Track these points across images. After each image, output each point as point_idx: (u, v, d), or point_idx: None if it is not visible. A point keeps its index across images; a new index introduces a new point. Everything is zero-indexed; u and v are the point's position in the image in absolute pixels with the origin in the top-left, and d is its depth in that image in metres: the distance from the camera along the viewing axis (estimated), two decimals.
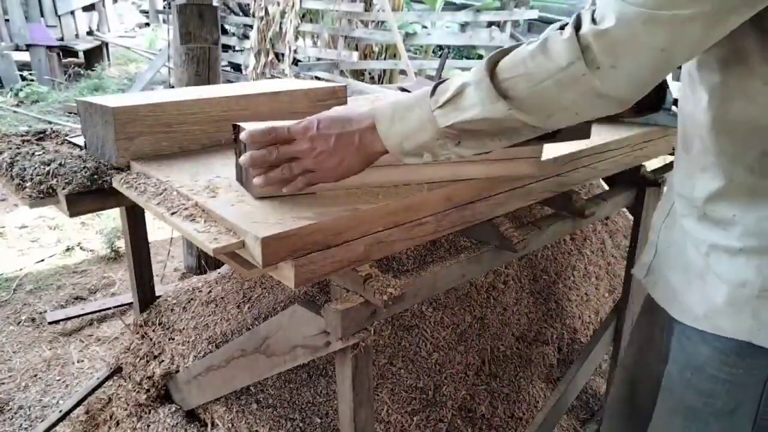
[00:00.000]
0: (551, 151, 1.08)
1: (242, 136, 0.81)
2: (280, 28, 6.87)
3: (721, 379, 0.89)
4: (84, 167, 1.02)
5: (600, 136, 1.28)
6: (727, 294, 0.85)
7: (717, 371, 0.89)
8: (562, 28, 0.69)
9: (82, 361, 2.44)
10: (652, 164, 1.69)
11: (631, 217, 2.01)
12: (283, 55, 6.99)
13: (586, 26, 0.66)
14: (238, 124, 0.87)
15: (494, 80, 0.71)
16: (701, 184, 0.86)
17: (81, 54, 9.07)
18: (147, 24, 12.34)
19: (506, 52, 0.73)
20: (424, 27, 7.74)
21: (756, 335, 0.83)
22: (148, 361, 1.54)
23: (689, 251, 0.92)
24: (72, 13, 8.90)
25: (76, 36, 9.01)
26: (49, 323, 2.67)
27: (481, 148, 0.79)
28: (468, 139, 0.76)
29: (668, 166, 1.70)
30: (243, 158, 0.80)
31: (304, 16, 7.20)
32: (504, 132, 0.75)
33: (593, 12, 0.67)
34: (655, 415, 1.02)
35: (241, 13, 8.15)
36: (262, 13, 6.93)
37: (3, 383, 2.27)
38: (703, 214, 0.87)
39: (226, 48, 8.02)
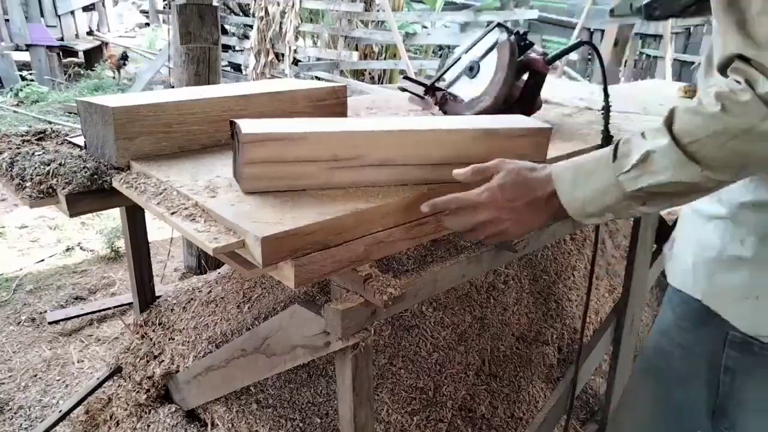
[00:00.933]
0: (551, 151, 1.08)
1: (423, 208, 0.86)
2: (280, 28, 6.87)
3: (676, 343, 1.00)
4: (84, 167, 1.02)
5: (599, 136, 1.27)
6: (693, 255, 0.97)
7: (675, 335, 1.01)
8: (723, 72, 0.73)
9: (82, 361, 2.44)
10: None
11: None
12: (283, 55, 6.99)
13: (763, 83, 0.67)
14: (235, 120, 0.87)
15: (679, 143, 0.73)
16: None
17: (81, 54, 9.08)
18: (147, 24, 12.34)
19: (674, 113, 0.74)
20: (424, 27, 7.75)
21: (707, 298, 0.95)
22: (148, 361, 1.54)
23: (685, 218, 1.03)
24: (72, 13, 8.90)
25: (76, 36, 9.02)
26: (49, 323, 2.68)
27: (668, 206, 0.81)
28: (656, 199, 0.78)
29: None
30: (424, 207, 0.86)
31: (304, 16, 7.20)
32: (693, 190, 0.76)
33: (753, 62, 0.68)
34: (633, 373, 1.18)
35: (241, 13, 8.16)
36: (262, 13, 6.93)
37: (3, 383, 2.27)
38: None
39: (226, 48, 8.02)
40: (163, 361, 1.50)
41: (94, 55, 9.09)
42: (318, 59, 7.11)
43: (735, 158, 0.71)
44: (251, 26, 7.32)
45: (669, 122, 0.74)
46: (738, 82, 0.70)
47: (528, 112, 1.32)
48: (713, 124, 0.70)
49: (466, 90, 1.30)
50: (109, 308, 2.78)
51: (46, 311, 2.77)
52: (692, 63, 8.60)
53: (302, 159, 0.86)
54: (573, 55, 7.76)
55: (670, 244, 1.13)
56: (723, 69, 0.74)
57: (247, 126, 0.85)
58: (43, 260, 3.34)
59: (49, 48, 7.95)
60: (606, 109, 1.12)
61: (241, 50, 7.93)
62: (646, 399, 1.11)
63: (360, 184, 0.91)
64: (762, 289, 0.89)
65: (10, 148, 1.12)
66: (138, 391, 1.53)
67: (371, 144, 0.89)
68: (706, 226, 0.95)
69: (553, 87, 2.00)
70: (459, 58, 1.34)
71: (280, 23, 6.85)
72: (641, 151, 0.75)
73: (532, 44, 1.25)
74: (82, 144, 1.16)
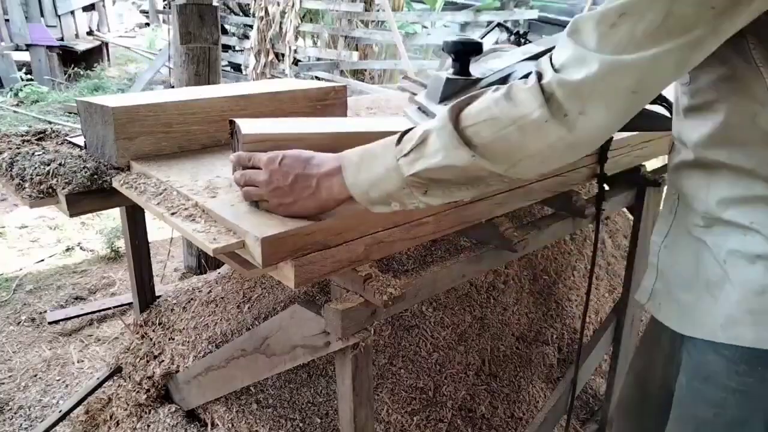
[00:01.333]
0: None
1: (230, 158, 0.85)
2: (280, 28, 6.87)
3: (731, 389, 0.87)
4: (84, 167, 1.02)
5: None
6: (746, 302, 0.83)
7: (727, 380, 0.87)
8: (526, 76, 0.69)
9: (82, 361, 2.44)
10: (651, 164, 1.69)
11: (631, 217, 2.00)
12: (283, 55, 6.99)
13: (549, 75, 0.65)
14: (235, 120, 0.87)
15: (458, 127, 0.69)
16: (715, 192, 0.85)
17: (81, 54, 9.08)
18: (147, 24, 12.34)
19: (471, 99, 0.71)
20: (424, 27, 7.74)
21: None
22: (148, 361, 1.54)
23: (703, 262, 0.89)
24: (72, 13, 8.90)
25: (76, 36, 9.02)
26: (49, 323, 2.68)
27: (448, 198, 0.76)
28: (435, 188, 0.74)
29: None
30: (232, 156, 0.85)
31: (304, 16, 7.20)
32: (470, 181, 0.73)
33: (551, 58, 0.66)
34: (668, 429, 1.01)
35: (241, 13, 8.16)
36: (262, 13, 6.94)
37: (3, 383, 2.27)
38: (719, 218, 0.85)
39: (226, 48, 8.02)
40: (163, 361, 1.50)
41: (94, 55, 9.08)
42: (318, 59, 7.11)
43: (507, 148, 0.68)
44: (251, 26, 7.32)
45: (463, 104, 0.71)
46: (537, 73, 0.67)
47: None
48: (492, 110, 0.68)
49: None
50: (109, 308, 2.78)
51: (46, 311, 2.77)
52: None
53: None
54: None
55: (646, 294, 1.02)
56: None
57: (247, 126, 0.85)
58: (43, 260, 3.34)
59: (49, 48, 7.95)
60: None
61: (241, 50, 7.93)
62: None
63: None
64: None
65: (10, 148, 1.12)
66: (138, 391, 1.53)
67: None
68: (753, 268, 0.83)
69: None
70: None
71: (280, 23, 6.86)
72: (419, 135, 0.72)
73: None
74: (82, 144, 1.16)
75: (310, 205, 0.79)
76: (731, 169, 0.82)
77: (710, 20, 0.61)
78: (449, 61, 1.33)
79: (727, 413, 0.88)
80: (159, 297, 1.65)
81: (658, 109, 1.06)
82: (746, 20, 0.63)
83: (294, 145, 0.83)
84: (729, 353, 0.86)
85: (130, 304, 2.74)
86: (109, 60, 9.43)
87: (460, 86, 0.90)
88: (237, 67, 8.20)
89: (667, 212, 1.01)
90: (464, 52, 0.92)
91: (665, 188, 1.06)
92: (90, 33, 9.50)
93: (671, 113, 0.96)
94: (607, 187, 1.35)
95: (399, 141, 0.74)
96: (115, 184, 1.00)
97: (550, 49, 0.97)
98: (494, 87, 0.71)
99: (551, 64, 0.66)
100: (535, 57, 0.96)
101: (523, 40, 1.24)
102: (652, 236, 1.04)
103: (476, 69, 0.98)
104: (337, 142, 0.88)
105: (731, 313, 0.85)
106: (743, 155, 0.80)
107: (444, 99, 0.91)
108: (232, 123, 0.89)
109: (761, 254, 0.81)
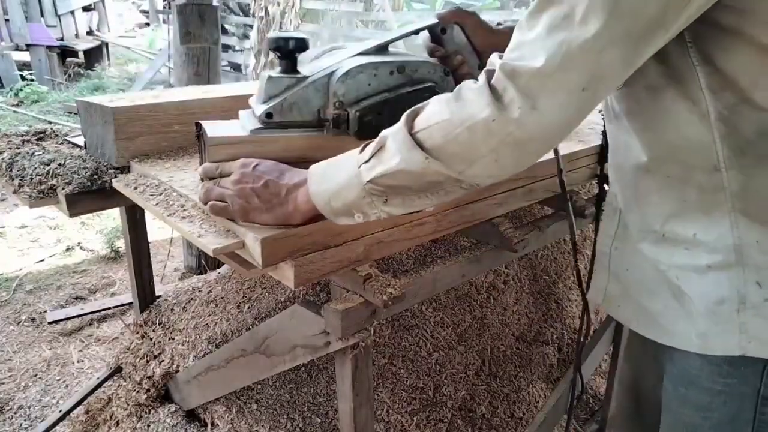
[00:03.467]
0: (550, 152, 1.08)
1: (200, 170, 0.84)
2: (280, 28, 6.87)
3: (716, 391, 0.86)
4: (84, 167, 1.02)
5: (599, 136, 1.27)
6: (710, 314, 0.82)
7: (711, 384, 0.87)
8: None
9: (82, 361, 2.44)
10: None
11: None
12: None
13: (498, 72, 0.64)
14: (200, 122, 0.87)
15: (412, 131, 0.68)
16: (653, 209, 0.84)
17: (81, 54, 9.08)
18: (147, 24, 12.34)
19: (427, 103, 0.70)
20: None
21: (747, 348, 0.81)
22: (148, 361, 1.54)
23: (656, 276, 0.89)
24: (72, 13, 8.90)
25: (76, 36, 9.01)
26: (49, 323, 2.68)
27: (408, 207, 0.74)
28: (394, 196, 0.72)
29: None
30: (200, 170, 0.84)
31: (304, 16, 7.20)
32: (427, 187, 0.71)
33: (501, 57, 0.65)
34: None
35: (241, 13, 8.16)
36: (262, 13, 6.94)
37: (3, 383, 2.27)
38: (662, 236, 0.84)
39: (226, 48, 8.02)
40: (163, 361, 1.50)
41: (94, 55, 9.08)
42: None
43: (459, 150, 0.66)
44: (251, 26, 7.32)
45: (419, 109, 0.70)
46: (487, 71, 0.66)
47: None
48: (443, 112, 0.67)
49: None
50: (109, 308, 2.78)
51: (46, 311, 2.77)
52: None
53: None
54: None
55: (600, 294, 1.01)
56: None
57: (211, 129, 0.84)
58: (43, 260, 3.34)
59: (49, 48, 7.95)
60: None
61: (241, 50, 7.93)
62: None
63: None
64: None
65: (10, 148, 1.12)
66: (138, 391, 1.53)
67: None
68: (704, 279, 0.81)
69: None
70: None
71: (280, 23, 6.85)
72: (378, 142, 0.70)
73: None
74: (82, 144, 1.16)
75: (277, 214, 0.77)
76: (665, 177, 0.80)
77: (662, 10, 0.59)
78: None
79: (714, 416, 0.88)
80: (159, 297, 1.65)
81: None
82: (696, 13, 0.62)
83: (269, 151, 0.82)
84: (710, 357, 0.85)
85: (130, 304, 2.74)
86: (109, 60, 9.43)
87: (285, 85, 0.87)
88: (237, 67, 8.19)
89: (612, 213, 0.99)
90: (288, 49, 0.88)
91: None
92: (90, 33, 9.50)
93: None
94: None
95: (363, 149, 0.73)
96: (115, 184, 1.00)
97: (388, 42, 0.95)
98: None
99: (502, 61, 0.64)
100: (367, 53, 0.93)
101: None
102: (600, 236, 1.02)
103: (307, 67, 0.94)
104: (311, 144, 0.87)
105: (700, 326, 0.84)
106: (675, 162, 0.78)
107: (269, 98, 0.87)
108: (198, 126, 0.88)
109: (711, 264, 0.80)
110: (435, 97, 0.70)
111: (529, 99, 0.62)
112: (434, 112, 0.68)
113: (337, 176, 0.73)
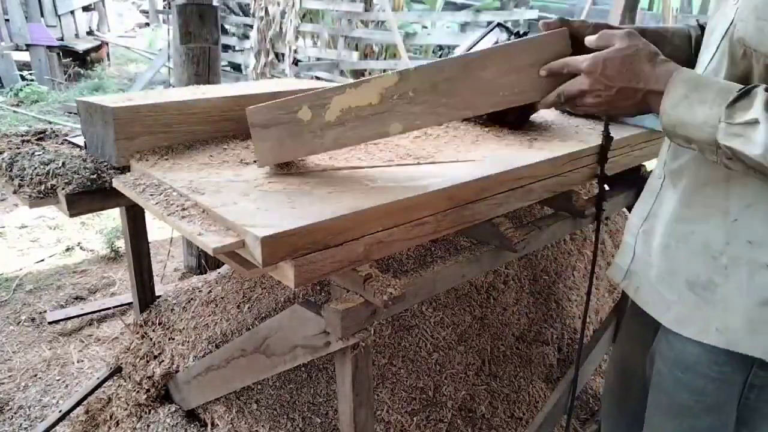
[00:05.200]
0: (548, 153, 1.08)
1: (541, 72, 0.90)
2: (280, 28, 6.87)
3: (710, 377, 0.91)
4: (84, 167, 1.02)
5: (599, 136, 1.27)
6: (747, 311, 0.83)
7: (708, 370, 0.90)
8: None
9: (82, 361, 2.44)
10: (652, 164, 1.69)
11: None
12: (283, 55, 6.99)
13: None
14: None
15: None
16: (736, 195, 0.84)
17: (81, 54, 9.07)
18: (147, 24, 12.34)
19: None
20: (424, 27, 7.74)
21: None
22: (148, 361, 1.54)
23: (697, 261, 0.89)
24: (72, 12, 8.90)
25: (76, 36, 9.01)
26: (49, 323, 2.67)
27: (749, 174, 0.75)
28: (739, 166, 0.74)
29: None
30: (542, 71, 0.90)
31: (304, 16, 7.20)
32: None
33: None
34: (648, 414, 1.04)
35: (241, 13, 8.15)
36: (262, 13, 6.93)
37: (3, 383, 2.27)
38: (734, 221, 0.84)
39: (226, 48, 8.02)
40: (163, 361, 1.50)
41: (93, 55, 9.08)
42: (318, 59, 7.11)
43: None
44: (251, 26, 7.32)
45: None
46: None
47: (527, 110, 1.32)
48: None
49: None
50: (109, 308, 2.78)
51: (46, 311, 2.77)
52: None
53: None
54: None
55: (621, 273, 1.05)
56: None
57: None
58: (43, 260, 3.34)
59: (49, 48, 7.95)
60: None
61: (241, 50, 7.93)
62: None
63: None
64: None
65: (10, 148, 1.12)
66: (138, 391, 1.53)
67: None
68: (758, 276, 0.82)
69: None
70: None
71: (280, 23, 6.85)
72: (753, 116, 0.70)
73: None
74: (82, 144, 1.16)
75: (628, 112, 0.84)
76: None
77: None
78: None
79: (707, 399, 0.93)
80: (159, 297, 1.65)
81: None
82: None
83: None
84: (709, 346, 0.89)
85: (130, 304, 2.74)
86: (109, 60, 9.42)
87: None
88: (237, 67, 8.19)
89: (649, 195, 1.01)
90: None
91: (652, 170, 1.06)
92: (90, 33, 9.50)
93: None
94: (607, 187, 1.35)
95: (733, 103, 0.72)
96: (115, 184, 1.00)
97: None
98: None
99: None
100: None
101: None
102: (631, 217, 1.05)
103: None
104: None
105: (728, 320, 0.85)
106: None
107: None
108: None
109: None
110: None
111: None
112: None
113: (697, 113, 0.74)
